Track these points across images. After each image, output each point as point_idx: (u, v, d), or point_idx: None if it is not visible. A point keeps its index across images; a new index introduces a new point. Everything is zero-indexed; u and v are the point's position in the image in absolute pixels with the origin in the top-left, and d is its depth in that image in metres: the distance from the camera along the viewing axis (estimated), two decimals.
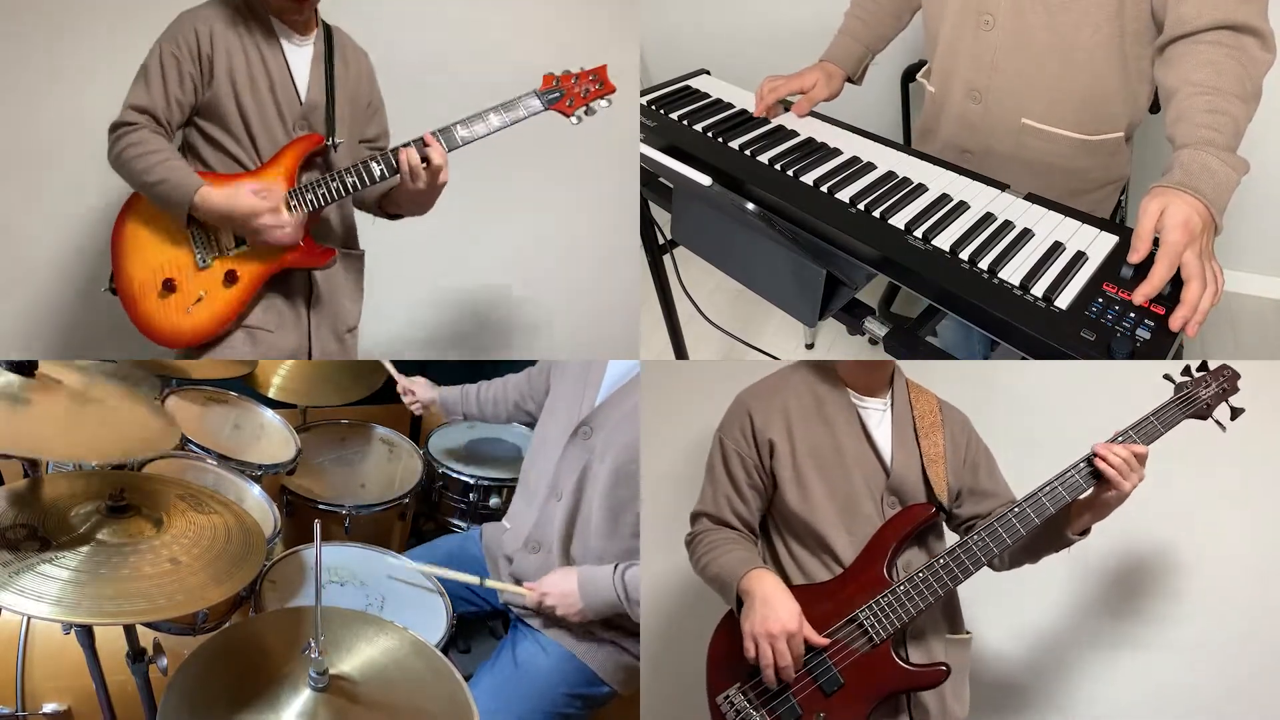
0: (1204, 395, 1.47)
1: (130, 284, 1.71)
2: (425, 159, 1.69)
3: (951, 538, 1.51)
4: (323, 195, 1.71)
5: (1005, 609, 1.89)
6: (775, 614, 1.32)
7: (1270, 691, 1.82)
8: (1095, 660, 1.90)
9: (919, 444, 1.48)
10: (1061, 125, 1.67)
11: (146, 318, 1.71)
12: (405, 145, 1.70)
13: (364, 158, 1.73)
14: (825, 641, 1.34)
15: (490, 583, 1.73)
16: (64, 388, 1.42)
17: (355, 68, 1.86)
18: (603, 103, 1.78)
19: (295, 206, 1.70)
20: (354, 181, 1.71)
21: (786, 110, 1.88)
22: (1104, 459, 1.37)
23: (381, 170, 1.71)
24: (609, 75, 1.78)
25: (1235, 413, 1.49)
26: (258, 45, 1.73)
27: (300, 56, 1.78)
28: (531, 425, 2.12)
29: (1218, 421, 1.49)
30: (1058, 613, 1.91)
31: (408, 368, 2.36)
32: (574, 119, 1.78)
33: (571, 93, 1.76)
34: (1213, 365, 1.50)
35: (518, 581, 1.71)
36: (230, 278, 1.72)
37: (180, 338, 1.71)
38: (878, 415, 1.50)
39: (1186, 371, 1.50)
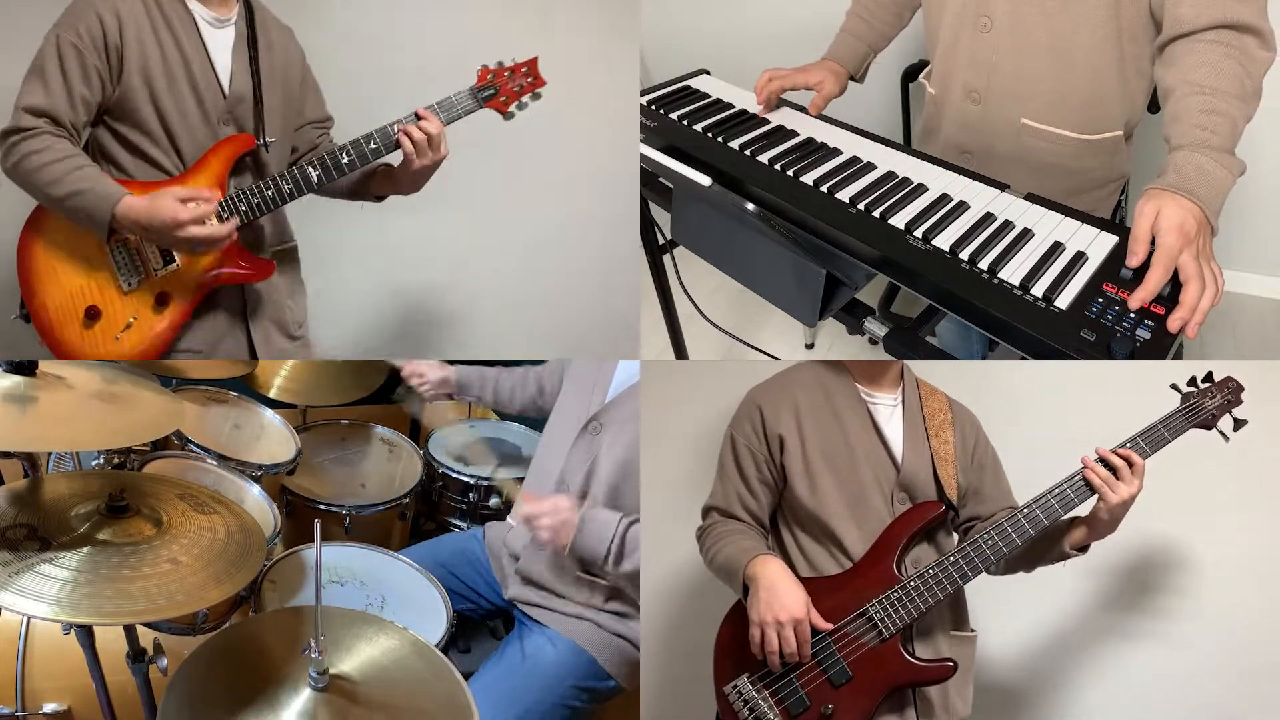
0: (1210, 406, 1.49)
1: (45, 311, 1.55)
2: (425, 133, 1.60)
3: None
4: (258, 205, 1.58)
5: (1009, 607, 1.89)
6: (780, 600, 1.33)
7: (1273, 689, 1.82)
8: (1097, 659, 1.90)
9: (929, 442, 1.48)
10: (1061, 125, 1.67)
11: (68, 348, 1.57)
12: (399, 123, 1.61)
13: (311, 155, 1.61)
14: (830, 626, 1.35)
15: (497, 477, 1.71)
16: (70, 384, 1.41)
17: (282, 47, 1.70)
18: (531, 98, 1.68)
19: (228, 217, 1.57)
20: (289, 189, 1.58)
21: (788, 110, 1.88)
22: (1089, 470, 1.39)
23: (320, 175, 1.60)
24: (539, 69, 1.68)
25: (1238, 424, 1.51)
26: (172, 30, 1.54)
27: (220, 40, 1.60)
28: (538, 421, 2.12)
29: (1221, 432, 1.51)
30: (1060, 612, 1.92)
31: None
32: (507, 116, 1.68)
33: (506, 89, 1.66)
34: (1218, 376, 1.52)
35: (525, 580, 1.71)
36: (162, 300, 1.59)
37: None
38: (888, 411, 1.51)
39: (1193, 382, 1.51)
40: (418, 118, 1.61)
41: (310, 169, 1.60)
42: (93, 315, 1.57)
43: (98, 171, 1.52)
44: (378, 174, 1.75)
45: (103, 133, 1.58)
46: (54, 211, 1.54)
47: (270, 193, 1.59)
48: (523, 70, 1.67)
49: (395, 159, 1.68)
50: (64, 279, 1.57)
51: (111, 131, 1.57)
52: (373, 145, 1.61)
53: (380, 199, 1.82)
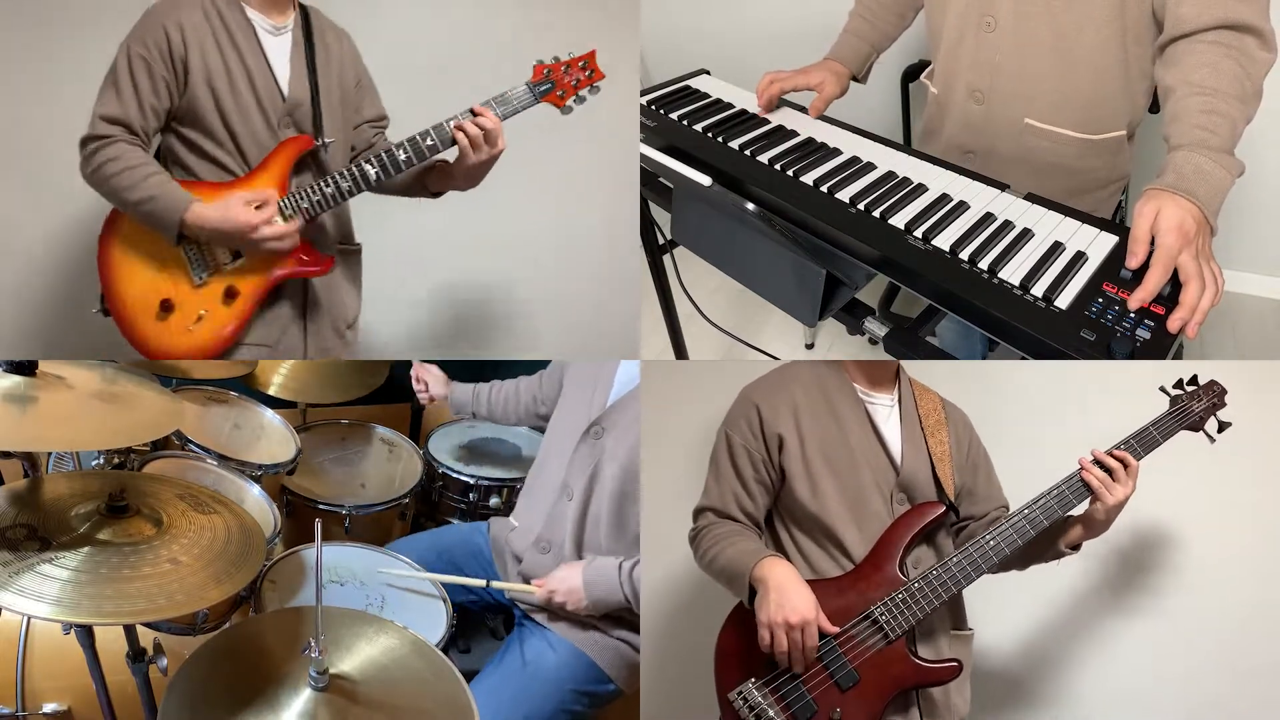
0: (1196, 409, 1.51)
1: (123, 305, 1.64)
2: (480, 128, 1.64)
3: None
4: (318, 202, 1.65)
5: (1005, 603, 1.89)
6: (791, 602, 1.31)
7: (1273, 688, 1.82)
8: (1096, 657, 1.90)
9: (926, 442, 1.48)
10: (1064, 125, 1.67)
11: (145, 339, 1.64)
12: (455, 119, 1.65)
13: (369, 153, 1.69)
14: (836, 629, 1.35)
15: (497, 584, 1.73)
16: (70, 384, 1.42)
17: (338, 51, 1.77)
18: (589, 91, 1.71)
19: (291, 214, 1.64)
20: (349, 186, 1.65)
21: (789, 110, 1.88)
22: (1086, 471, 1.40)
23: (377, 172, 1.65)
24: (598, 61, 1.71)
25: (1222, 426, 1.53)
26: (233, 39, 1.63)
27: (279, 46, 1.69)
28: (540, 428, 2.13)
29: (1207, 434, 1.52)
30: (1058, 609, 1.92)
31: (407, 368, 2.36)
32: (565, 110, 1.71)
33: (562, 83, 1.69)
34: (1203, 380, 1.54)
35: (526, 581, 1.71)
36: (230, 294, 1.66)
37: (181, 358, 1.67)
38: (885, 411, 1.51)
39: (1179, 385, 1.53)
40: (474, 114, 1.65)
41: (368, 166, 1.65)
42: (167, 308, 1.64)
43: (168, 178, 1.60)
44: (434, 170, 1.78)
45: (171, 138, 1.66)
46: (129, 215, 1.62)
47: (330, 189, 1.65)
48: (580, 64, 1.69)
49: (450, 155, 1.71)
50: (140, 274, 1.65)
51: (179, 136, 1.64)
52: (429, 142, 1.65)
53: (436, 195, 1.84)
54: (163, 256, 1.64)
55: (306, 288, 1.76)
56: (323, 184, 1.65)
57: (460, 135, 1.64)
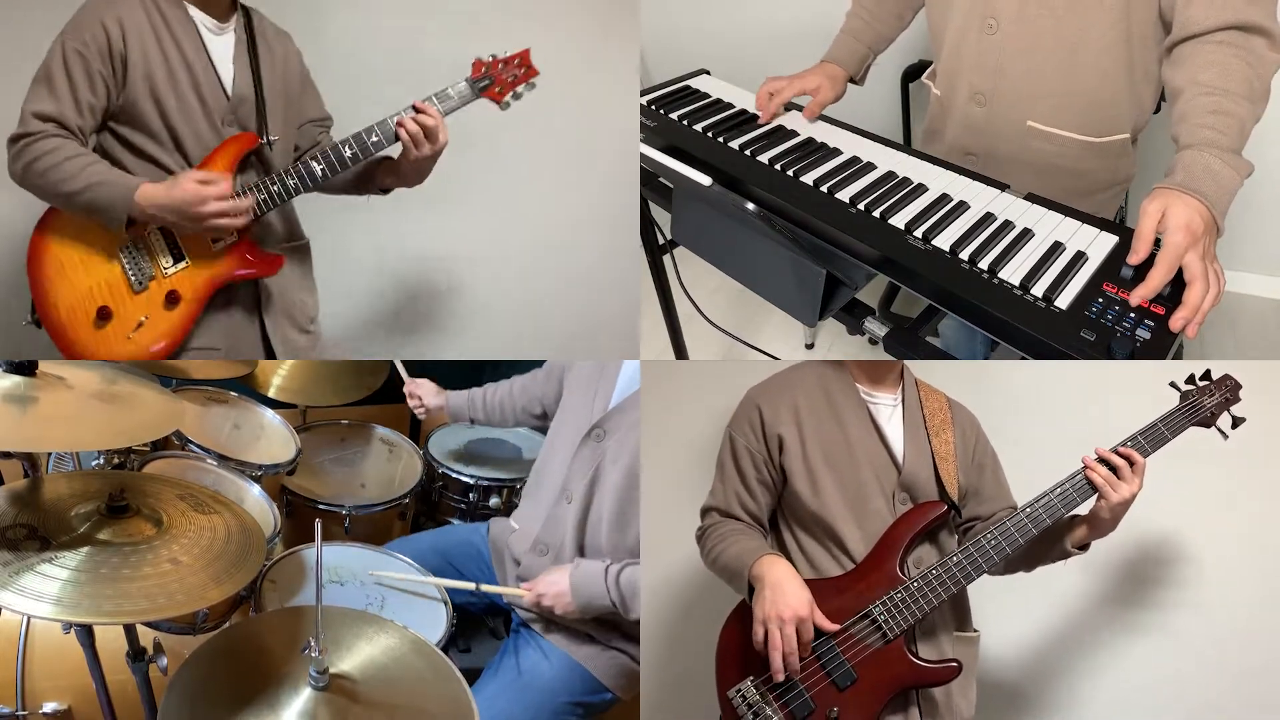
0: (1208, 404, 1.49)
1: (57, 313, 1.58)
2: (421, 125, 1.65)
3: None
4: (264, 200, 1.62)
5: (1011, 607, 1.89)
6: (786, 599, 1.32)
7: (1274, 689, 1.82)
8: (1098, 658, 1.90)
9: (930, 442, 1.48)
10: (1067, 127, 1.66)
11: (80, 348, 1.59)
12: (398, 115, 1.66)
13: (314, 150, 1.69)
14: (835, 626, 1.34)
15: (486, 587, 1.72)
16: (70, 384, 1.42)
17: (281, 51, 1.76)
18: (526, 88, 1.74)
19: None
20: (295, 184, 1.63)
21: (788, 110, 1.88)
22: (1090, 469, 1.39)
23: (324, 169, 1.64)
24: (532, 59, 1.74)
25: (1236, 421, 1.51)
26: (174, 36, 1.59)
27: (221, 45, 1.66)
28: (538, 428, 2.12)
29: (1220, 429, 1.51)
30: (1061, 611, 1.92)
31: (408, 368, 2.36)
32: (503, 106, 1.74)
33: (500, 79, 1.71)
34: (1216, 375, 1.52)
35: (523, 583, 1.71)
36: (172, 299, 1.62)
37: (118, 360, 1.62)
38: (888, 411, 1.51)
39: (1191, 380, 1.52)
40: (416, 110, 1.66)
41: (314, 163, 1.64)
42: (105, 315, 1.60)
43: (110, 166, 1.55)
44: (381, 166, 1.79)
45: (107, 138, 1.61)
46: (68, 209, 1.56)
47: (276, 188, 1.63)
48: (515, 61, 1.72)
49: (396, 150, 1.72)
50: (75, 281, 1.60)
51: (116, 136, 1.60)
52: (374, 138, 1.66)
53: (385, 191, 1.84)
54: (99, 262, 1.60)
55: (258, 288, 1.73)
56: (269, 181, 1.63)
57: (402, 131, 1.64)
